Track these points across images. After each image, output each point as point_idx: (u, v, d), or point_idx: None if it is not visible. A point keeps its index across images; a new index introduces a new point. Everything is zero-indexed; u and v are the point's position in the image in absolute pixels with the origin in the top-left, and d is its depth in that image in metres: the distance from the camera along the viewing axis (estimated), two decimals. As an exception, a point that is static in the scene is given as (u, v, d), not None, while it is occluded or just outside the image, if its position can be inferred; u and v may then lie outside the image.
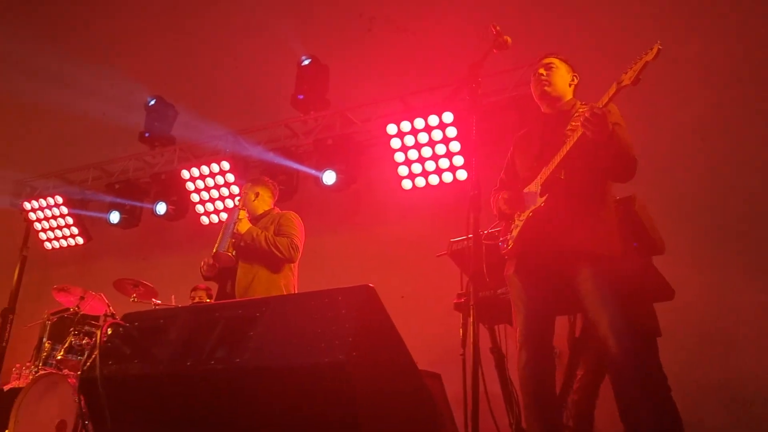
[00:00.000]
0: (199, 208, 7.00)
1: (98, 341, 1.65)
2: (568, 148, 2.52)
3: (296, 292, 3.88)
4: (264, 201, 4.22)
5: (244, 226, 3.91)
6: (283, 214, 4.06)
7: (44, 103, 8.02)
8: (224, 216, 6.97)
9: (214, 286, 5.95)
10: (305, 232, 4.07)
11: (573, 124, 2.65)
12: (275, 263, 3.84)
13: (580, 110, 2.72)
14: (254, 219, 4.06)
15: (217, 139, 7.09)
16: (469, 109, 2.40)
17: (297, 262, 3.97)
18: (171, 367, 1.59)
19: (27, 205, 7.73)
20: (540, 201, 2.61)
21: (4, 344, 7.67)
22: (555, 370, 2.59)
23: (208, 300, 5.81)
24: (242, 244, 3.87)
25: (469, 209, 2.18)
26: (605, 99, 2.46)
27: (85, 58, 7.88)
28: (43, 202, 7.64)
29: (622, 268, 2.58)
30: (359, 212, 6.56)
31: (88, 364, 1.68)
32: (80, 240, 7.77)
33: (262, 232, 3.87)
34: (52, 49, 8.15)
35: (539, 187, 2.64)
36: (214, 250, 3.90)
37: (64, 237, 7.79)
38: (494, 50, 2.64)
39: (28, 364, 6.51)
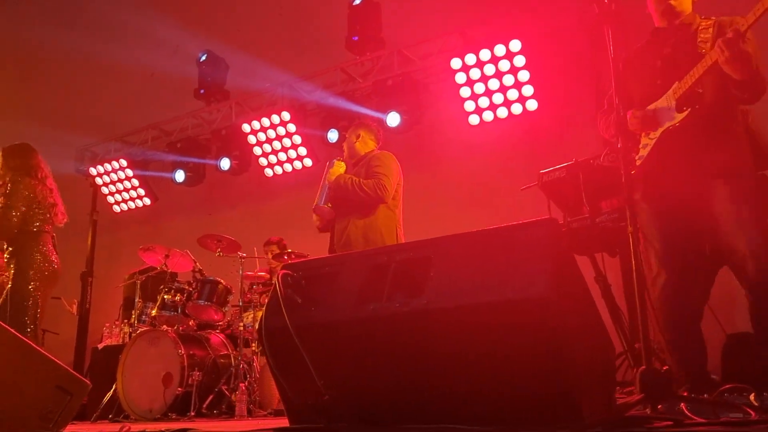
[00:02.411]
0: (263, 161, 7.02)
1: (280, 292, 1.67)
2: (709, 64, 2.39)
3: (401, 233, 3.84)
4: (366, 144, 4.10)
5: (333, 174, 3.88)
6: (375, 155, 3.96)
7: (97, 64, 8.04)
8: (288, 167, 6.99)
9: (292, 238, 6.04)
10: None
11: (702, 36, 2.51)
12: (367, 207, 3.78)
13: (702, 24, 2.57)
14: (355, 163, 4.00)
15: (273, 90, 7.03)
16: (601, 22, 2.24)
17: (399, 203, 3.90)
18: (353, 313, 1.61)
19: (93, 171, 7.88)
20: (678, 117, 2.49)
21: (87, 306, 8.00)
22: (693, 291, 2.53)
23: (289, 251, 5.88)
24: (332, 193, 3.84)
25: (616, 134, 2.08)
26: (751, 19, 2.28)
27: (133, 11, 7.81)
28: (108, 167, 7.77)
29: (756, 186, 2.49)
30: (423, 152, 6.48)
31: (266, 314, 1.71)
32: (147, 201, 7.93)
33: (349, 176, 3.82)
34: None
35: (674, 102, 2.51)
36: (313, 205, 3.91)
37: (132, 199, 7.96)
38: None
39: (117, 322, 6.81)
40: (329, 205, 3.88)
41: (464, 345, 1.48)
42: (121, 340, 6.46)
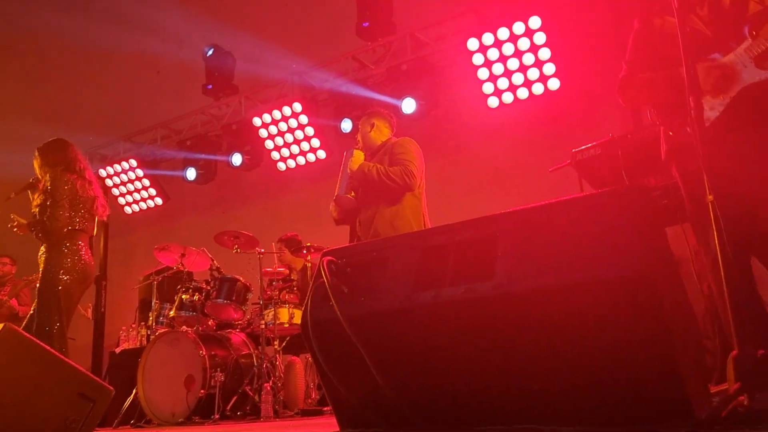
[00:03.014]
0: (275, 155, 6.84)
1: (328, 280, 1.49)
2: None
3: (428, 220, 3.69)
4: (381, 132, 3.95)
5: (356, 162, 3.71)
6: (397, 142, 3.81)
7: (100, 62, 7.88)
8: (302, 160, 6.81)
9: (307, 233, 5.86)
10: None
11: None
12: (393, 195, 3.64)
13: None
14: (373, 152, 3.84)
15: (283, 82, 6.84)
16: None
17: (423, 189, 3.74)
18: (410, 300, 1.43)
19: (102, 172, 7.72)
20: (764, 74, 2.24)
21: (102, 310, 7.87)
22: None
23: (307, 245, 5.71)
24: (355, 182, 3.69)
25: (688, 92, 1.87)
26: None
27: (139, 2, 7.64)
28: (118, 167, 7.62)
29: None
30: (441, 139, 6.28)
31: (312, 306, 1.53)
32: (159, 201, 7.78)
33: (373, 165, 3.66)
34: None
35: (750, 61, 2.28)
36: (335, 194, 3.74)
37: (143, 199, 7.80)
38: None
39: (133, 325, 6.66)
40: (352, 194, 3.72)
41: (545, 333, 1.29)
42: (138, 343, 6.32)
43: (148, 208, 7.87)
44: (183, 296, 5.07)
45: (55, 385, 2.64)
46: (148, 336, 5.94)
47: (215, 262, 5.21)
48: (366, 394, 1.46)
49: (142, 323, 6.46)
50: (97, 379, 2.81)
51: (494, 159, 5.89)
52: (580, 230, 1.31)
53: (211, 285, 5.08)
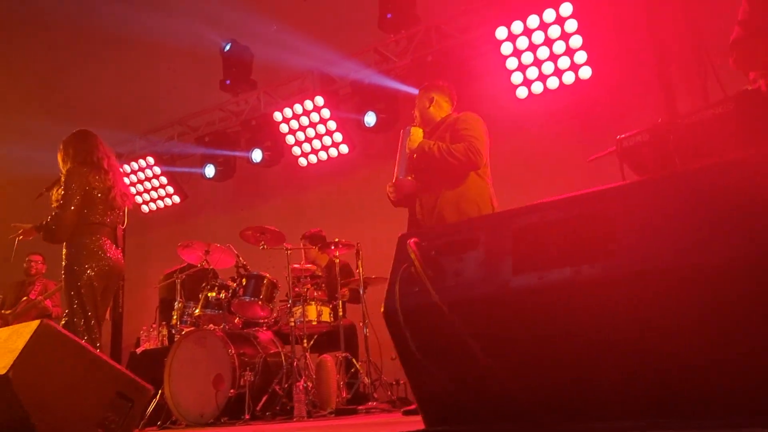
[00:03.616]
0: (296, 150, 6.72)
1: (418, 263, 1.35)
2: None
3: (496, 203, 3.46)
4: (440, 107, 3.70)
5: (415, 140, 3.46)
6: (459, 117, 3.55)
7: (119, 60, 7.78)
8: (324, 155, 6.69)
9: (331, 230, 5.73)
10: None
11: None
12: (457, 175, 3.35)
13: None
14: (432, 129, 3.58)
15: (303, 76, 6.72)
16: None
17: (489, 168, 3.46)
18: (510, 284, 1.29)
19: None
20: None
21: (120, 310, 7.76)
22: None
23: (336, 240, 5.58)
24: (415, 162, 3.45)
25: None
26: None
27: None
28: (135, 165, 7.51)
29: None
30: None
31: (401, 292, 1.40)
32: (177, 198, 7.66)
33: (434, 142, 3.40)
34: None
35: None
36: (394, 179, 3.52)
37: (160, 198, 7.69)
38: None
39: (154, 325, 6.55)
40: (411, 176, 3.49)
41: (681, 320, 1.15)
42: (159, 344, 6.21)
43: (166, 206, 7.76)
44: (209, 294, 4.94)
45: (92, 383, 2.52)
46: (171, 336, 5.82)
47: (241, 258, 5.09)
48: (467, 385, 1.32)
49: (164, 323, 6.34)
50: (136, 378, 2.69)
51: (523, 150, 5.74)
52: (717, 202, 1.17)
53: (238, 282, 4.96)
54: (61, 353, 2.46)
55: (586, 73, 5.25)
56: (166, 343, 6.18)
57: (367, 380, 4.71)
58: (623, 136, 3.83)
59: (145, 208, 7.82)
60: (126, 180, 7.68)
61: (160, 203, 7.73)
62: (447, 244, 1.45)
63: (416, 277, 1.38)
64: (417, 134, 3.46)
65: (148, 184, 7.61)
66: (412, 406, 3.42)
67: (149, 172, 7.52)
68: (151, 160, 7.42)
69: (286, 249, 4.85)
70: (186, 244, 5.21)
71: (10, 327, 2.54)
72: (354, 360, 4.89)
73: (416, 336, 1.34)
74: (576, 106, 5.51)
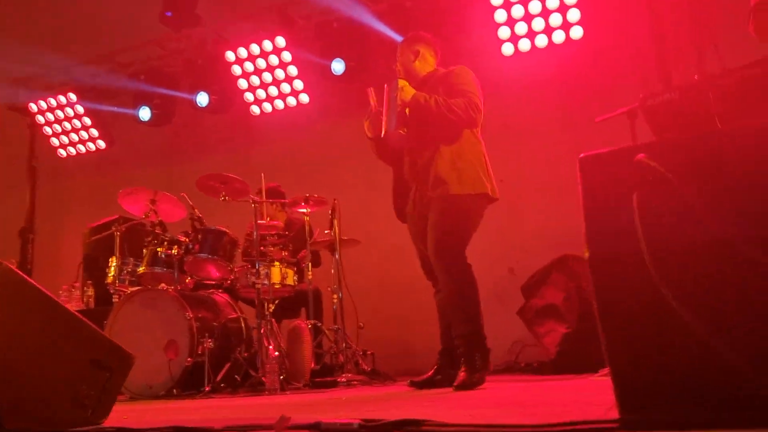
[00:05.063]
0: (249, 96, 6.05)
1: (680, 192, 0.93)
2: None
3: (488, 166, 3.16)
4: (426, 61, 3.39)
5: (408, 92, 3.11)
6: (452, 71, 3.24)
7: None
8: (280, 104, 6.06)
9: (291, 189, 5.17)
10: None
11: None
12: (453, 132, 3.10)
13: None
14: (417, 85, 3.24)
15: (261, 13, 6.02)
16: None
17: (480, 128, 3.21)
18: (737, 231, 0.91)
19: (33, 107, 6.58)
20: None
21: (29, 267, 6.78)
22: None
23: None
24: (409, 115, 3.10)
25: None
26: None
27: None
28: (53, 102, 6.51)
29: None
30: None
31: (591, 237, 0.98)
32: (101, 144, 6.75)
33: (431, 96, 3.08)
34: None
35: None
36: (383, 132, 3.12)
37: (82, 141, 6.75)
38: None
39: (77, 284, 5.73)
40: (404, 129, 3.13)
41: None
42: (84, 305, 5.44)
43: (88, 151, 6.82)
44: (158, 249, 4.27)
45: (64, 348, 1.92)
46: (103, 296, 5.08)
47: (197, 210, 4.44)
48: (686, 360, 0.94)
49: (89, 282, 5.56)
50: (113, 342, 2.10)
51: (503, 113, 5.43)
52: None
53: (192, 237, 4.32)
54: (23, 307, 1.84)
55: (577, 33, 5.00)
56: (92, 305, 5.42)
57: (337, 349, 4.28)
58: (647, 93, 3.59)
59: (62, 152, 6.85)
60: (41, 118, 6.68)
61: (81, 148, 6.79)
62: (681, 167, 1.04)
63: (666, 207, 0.97)
64: (408, 87, 3.11)
65: (67, 125, 6.64)
66: (418, 378, 3.04)
67: (70, 111, 6.56)
68: (73, 96, 6.46)
69: (252, 202, 4.26)
70: (129, 192, 4.49)
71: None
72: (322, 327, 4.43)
73: (616, 295, 0.94)
74: (563, 68, 5.26)
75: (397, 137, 3.16)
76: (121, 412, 2.03)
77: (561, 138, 5.29)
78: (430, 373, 3.01)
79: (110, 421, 1.97)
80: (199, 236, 4.30)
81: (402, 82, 3.20)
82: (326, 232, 4.65)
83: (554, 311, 3.81)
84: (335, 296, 4.58)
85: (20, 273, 1.87)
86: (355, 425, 1.24)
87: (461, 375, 2.69)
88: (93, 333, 2.04)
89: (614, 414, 1.15)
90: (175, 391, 3.87)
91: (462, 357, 2.75)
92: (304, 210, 4.56)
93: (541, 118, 5.41)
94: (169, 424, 1.47)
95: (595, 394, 1.88)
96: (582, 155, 1.18)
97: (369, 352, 4.64)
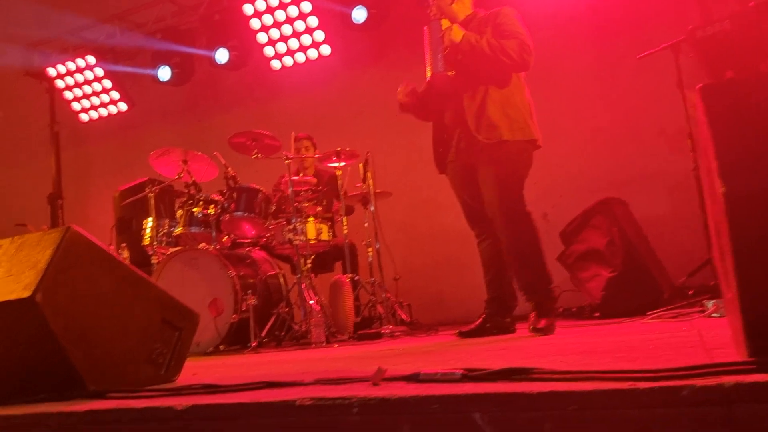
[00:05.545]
0: (269, 51, 5.92)
1: None
2: None
3: (534, 112, 3.06)
4: (463, 3, 3.22)
5: (458, 33, 2.96)
6: (497, 12, 3.10)
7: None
8: (301, 57, 5.94)
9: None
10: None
11: None
12: (504, 75, 2.97)
13: None
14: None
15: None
16: None
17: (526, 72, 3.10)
18: None
19: (51, 71, 6.51)
20: None
21: (59, 233, 6.84)
22: None
23: (314, 149, 5.00)
24: (459, 56, 2.97)
25: None
26: None
27: None
28: (72, 65, 6.42)
29: None
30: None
31: (726, 171, 0.94)
32: (123, 106, 6.69)
33: (482, 37, 2.95)
34: None
35: None
36: (428, 74, 2.99)
37: (103, 105, 6.68)
38: None
39: (110, 247, 5.77)
40: (452, 72, 3.02)
41: None
42: (121, 268, 5.48)
43: (110, 114, 6.76)
44: (194, 210, 4.28)
45: (136, 308, 1.93)
46: (141, 258, 5.12)
47: (230, 169, 4.41)
48: None
49: (123, 244, 5.60)
50: (180, 302, 2.12)
51: (536, 53, 5.29)
52: None
53: (227, 196, 4.31)
54: (95, 269, 1.85)
55: (609, -33, 4.79)
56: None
57: (376, 301, 4.31)
58: (694, 25, 3.47)
59: (83, 117, 6.80)
60: (60, 83, 6.61)
61: (103, 111, 6.73)
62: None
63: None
64: (458, 28, 2.98)
65: (87, 89, 6.57)
66: (466, 327, 3.05)
67: (89, 74, 6.47)
68: (91, 59, 6.38)
69: (286, 158, 4.22)
70: (161, 153, 4.46)
71: (23, 236, 1.88)
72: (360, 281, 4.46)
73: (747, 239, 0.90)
74: (596, 5, 5.08)
75: (444, 80, 3.01)
76: (185, 369, 2.05)
77: (596, 77, 5.16)
78: (478, 322, 3.01)
79: (182, 378, 2.01)
80: (234, 195, 4.28)
81: (445, 22, 3.07)
82: (357, 185, 4.61)
83: (597, 255, 3.78)
84: (369, 249, 4.58)
85: (88, 236, 1.86)
86: (457, 375, 1.23)
87: (534, 318, 2.71)
88: (161, 293, 2.05)
89: (721, 356, 1.13)
90: (221, 347, 3.95)
91: (537, 308, 2.77)
92: (336, 164, 4.52)
93: (575, 58, 5.26)
94: (254, 380, 1.47)
95: (674, 335, 1.87)
96: (702, 84, 1.12)
97: (405, 304, 4.67)
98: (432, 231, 5.79)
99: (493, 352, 1.97)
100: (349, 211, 4.86)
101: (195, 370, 2.29)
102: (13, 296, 1.66)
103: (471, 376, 1.22)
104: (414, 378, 1.30)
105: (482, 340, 2.77)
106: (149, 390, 1.63)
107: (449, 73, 3.01)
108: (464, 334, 3.02)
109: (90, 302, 1.79)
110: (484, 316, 3.04)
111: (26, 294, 1.64)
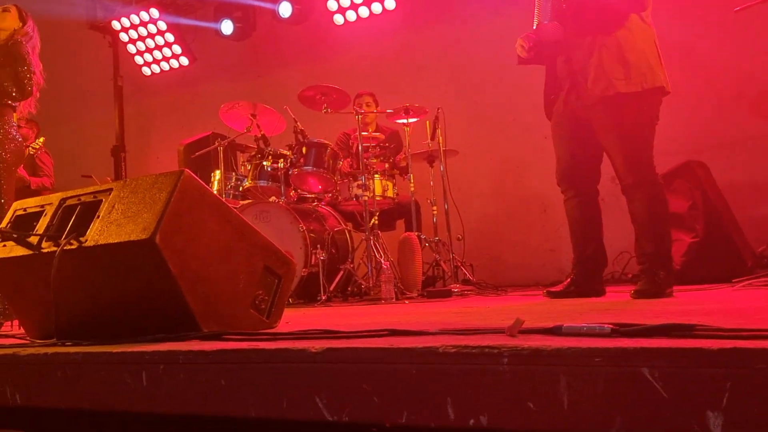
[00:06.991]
0: (332, 5, 5.82)
1: None
2: None
3: (659, 51, 2.86)
4: None
5: None
6: None
7: None
8: (364, 11, 5.82)
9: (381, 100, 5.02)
10: None
11: None
12: (620, 19, 2.74)
13: None
14: None
15: None
16: None
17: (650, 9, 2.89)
18: None
19: (116, 24, 6.55)
20: None
21: (123, 184, 7.00)
22: None
23: (375, 106, 4.92)
24: (566, 3, 2.80)
25: None
26: None
27: None
28: (136, 18, 6.45)
29: None
30: None
31: None
32: (185, 60, 6.71)
33: None
34: None
35: None
36: (535, 23, 2.86)
37: (165, 59, 6.72)
38: None
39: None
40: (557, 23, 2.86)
41: None
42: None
43: (171, 69, 6.80)
44: (264, 163, 4.29)
45: (241, 254, 1.95)
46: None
47: (299, 123, 4.39)
48: None
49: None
50: (281, 250, 2.13)
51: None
52: None
53: (296, 150, 4.30)
54: (206, 213, 1.86)
55: None
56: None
57: (441, 260, 4.29)
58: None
59: (146, 71, 6.85)
60: (124, 36, 6.65)
61: (165, 65, 6.77)
62: None
63: None
64: None
65: (151, 42, 6.60)
66: (554, 288, 2.98)
67: (153, 27, 6.49)
68: (155, 12, 6.38)
69: (357, 113, 4.17)
70: (230, 106, 4.47)
71: (136, 178, 1.89)
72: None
73: None
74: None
75: (552, 29, 2.82)
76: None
77: (676, 39, 4.91)
78: (566, 282, 2.94)
79: (281, 326, 2.02)
80: (303, 149, 4.27)
81: None
82: (424, 142, 4.55)
83: (678, 220, 3.65)
84: (435, 208, 4.54)
85: (199, 180, 1.87)
86: (606, 329, 1.19)
87: (640, 285, 2.59)
88: (264, 240, 2.06)
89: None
90: (290, 300, 4.00)
91: (644, 273, 2.64)
92: (404, 120, 4.45)
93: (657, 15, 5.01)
94: (378, 327, 1.46)
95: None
96: None
97: (469, 264, 4.63)
98: (492, 191, 5.71)
99: (600, 313, 1.90)
100: (404, 170, 4.81)
101: (286, 318, 2.30)
102: (132, 237, 1.68)
103: (623, 331, 1.17)
104: (556, 331, 1.25)
105: (578, 302, 2.65)
106: (262, 334, 1.64)
107: (557, 23, 2.83)
108: (551, 294, 2.94)
109: (202, 245, 1.81)
110: (572, 277, 2.94)
111: (145, 236, 1.65)
